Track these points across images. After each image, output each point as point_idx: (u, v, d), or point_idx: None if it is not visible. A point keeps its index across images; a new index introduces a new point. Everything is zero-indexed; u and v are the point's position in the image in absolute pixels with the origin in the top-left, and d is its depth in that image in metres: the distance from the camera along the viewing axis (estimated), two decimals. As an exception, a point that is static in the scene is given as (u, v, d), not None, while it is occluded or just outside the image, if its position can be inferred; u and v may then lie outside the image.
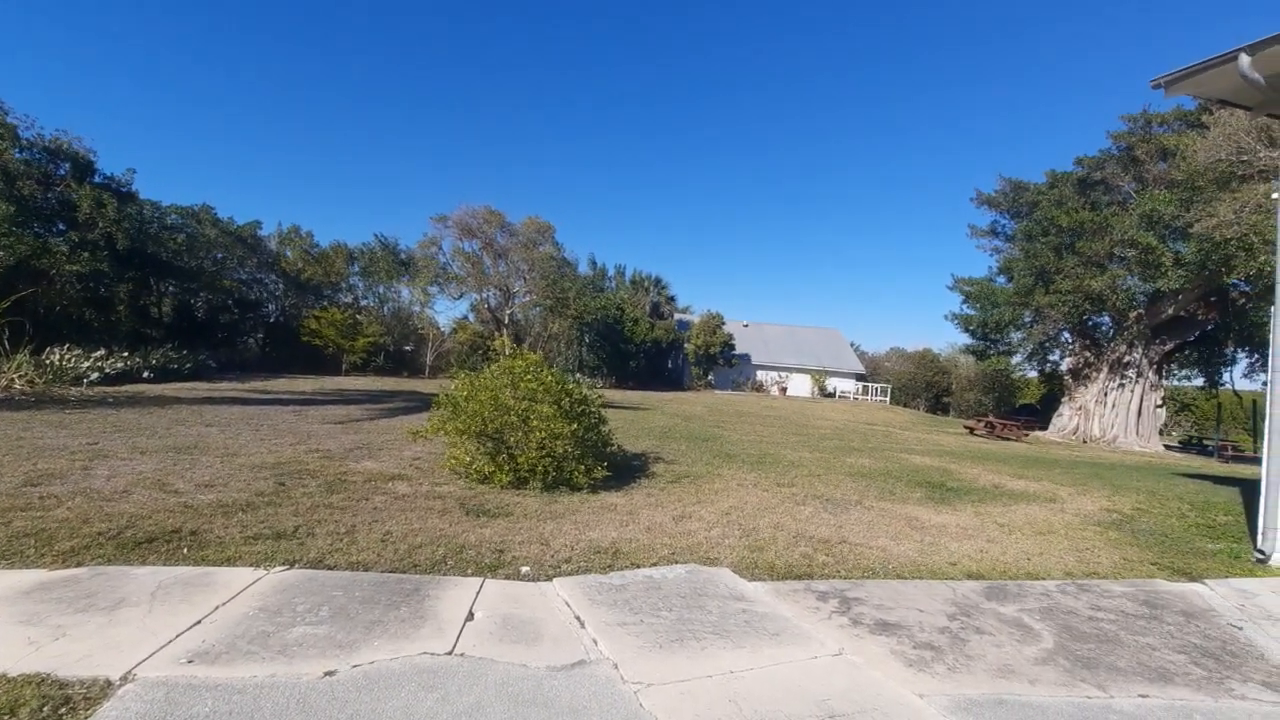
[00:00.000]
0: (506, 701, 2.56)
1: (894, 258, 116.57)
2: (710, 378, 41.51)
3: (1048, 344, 29.23)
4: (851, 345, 52.00)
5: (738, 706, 2.65)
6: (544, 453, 6.67)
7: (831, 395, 43.06)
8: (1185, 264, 21.03)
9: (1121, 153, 25.60)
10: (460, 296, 36.76)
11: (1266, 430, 5.92)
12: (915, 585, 4.49)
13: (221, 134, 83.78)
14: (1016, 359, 31.68)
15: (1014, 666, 3.29)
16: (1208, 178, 18.04)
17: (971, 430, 24.51)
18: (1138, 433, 25.07)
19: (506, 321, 35.60)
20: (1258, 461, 6.41)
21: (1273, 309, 6.18)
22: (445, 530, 4.97)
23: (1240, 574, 5.37)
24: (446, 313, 51.14)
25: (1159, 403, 26.04)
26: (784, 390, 43.16)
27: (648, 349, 38.29)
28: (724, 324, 41.48)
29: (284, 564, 3.97)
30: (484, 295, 35.85)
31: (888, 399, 44.52)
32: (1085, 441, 25.18)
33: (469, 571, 4.12)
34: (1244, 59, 5.05)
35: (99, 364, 16.28)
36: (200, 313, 30.10)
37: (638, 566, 4.47)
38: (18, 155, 20.31)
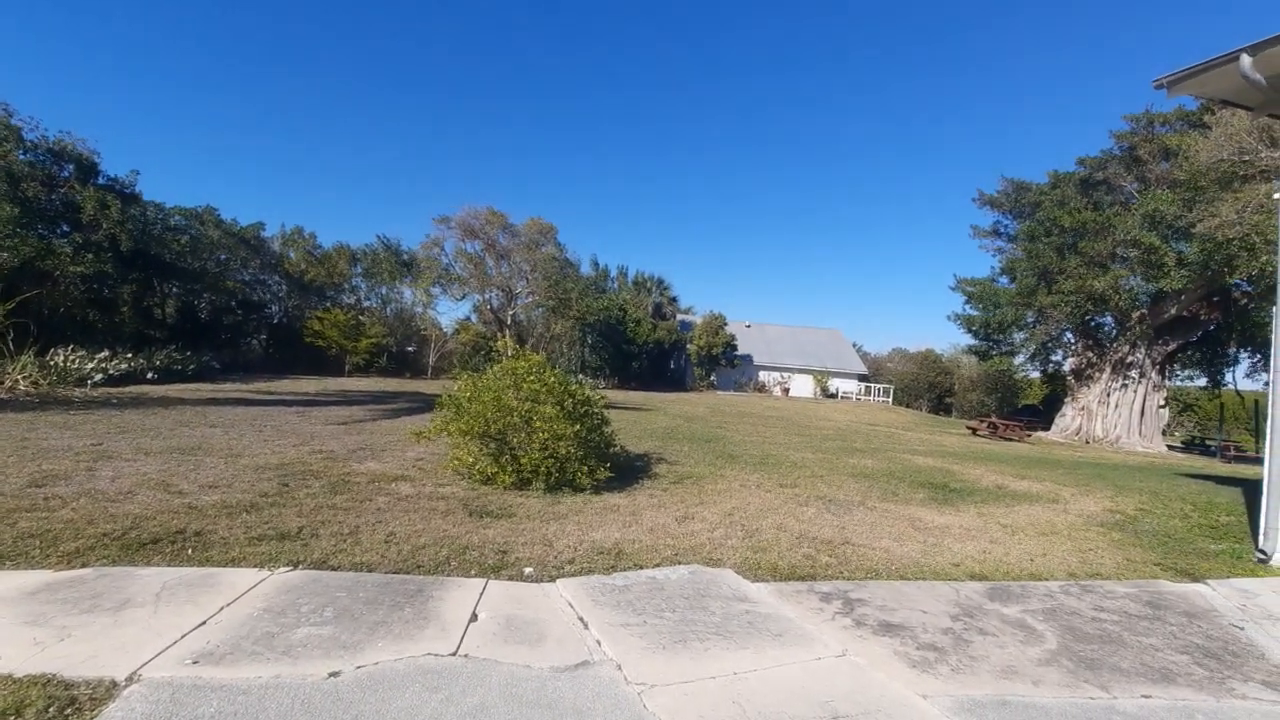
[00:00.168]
0: (511, 702, 2.57)
1: (896, 258, 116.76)
2: (713, 378, 41.53)
3: (1050, 344, 29.13)
4: (854, 346, 51.97)
5: (741, 708, 2.65)
6: (547, 454, 6.68)
7: (834, 396, 43.02)
8: (1188, 264, 20.99)
9: (1124, 153, 25.54)
10: (463, 297, 36.82)
11: (1268, 430, 5.91)
12: (918, 586, 4.49)
13: (225, 136, 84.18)
14: (1019, 359, 31.57)
15: (1017, 667, 3.29)
16: (1210, 178, 17.99)
17: (974, 431, 24.49)
18: (1140, 433, 25.01)
19: (509, 322, 35.59)
20: (1260, 462, 6.41)
21: (1275, 309, 6.18)
22: (449, 531, 4.98)
23: (1242, 574, 5.37)
24: (449, 314, 51.10)
25: (1162, 403, 25.95)
26: (786, 391, 43.16)
27: (650, 350, 38.28)
28: (726, 325, 41.50)
29: (288, 565, 3.98)
30: (486, 296, 35.86)
31: (890, 400, 44.51)
32: (1088, 442, 25.13)
33: (472, 572, 4.13)
34: (1245, 60, 5.05)
35: (103, 365, 16.34)
36: (204, 314, 30.18)
37: (641, 567, 4.48)
38: (22, 157, 20.35)
